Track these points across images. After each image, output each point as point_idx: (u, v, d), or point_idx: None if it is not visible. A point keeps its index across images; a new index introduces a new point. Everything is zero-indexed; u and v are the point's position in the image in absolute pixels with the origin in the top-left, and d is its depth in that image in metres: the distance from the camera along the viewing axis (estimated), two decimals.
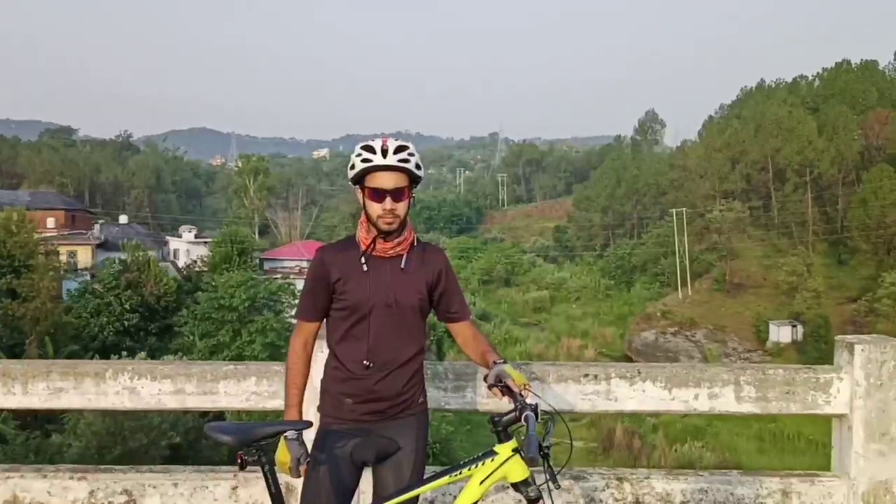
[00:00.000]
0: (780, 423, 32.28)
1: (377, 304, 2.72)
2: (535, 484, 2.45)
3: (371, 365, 2.74)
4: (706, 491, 3.60)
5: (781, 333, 44.67)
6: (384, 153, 2.68)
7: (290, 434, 2.50)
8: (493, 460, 2.47)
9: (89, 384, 3.59)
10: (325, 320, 2.83)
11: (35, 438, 18.77)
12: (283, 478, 3.56)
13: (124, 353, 24.75)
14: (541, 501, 2.43)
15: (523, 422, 2.39)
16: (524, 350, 44.42)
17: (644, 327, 49.33)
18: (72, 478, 3.58)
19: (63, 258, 37.12)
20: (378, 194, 2.68)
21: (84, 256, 42.65)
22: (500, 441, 2.48)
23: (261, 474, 2.50)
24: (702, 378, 3.62)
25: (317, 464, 2.80)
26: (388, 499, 2.48)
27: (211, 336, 27.74)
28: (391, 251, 2.76)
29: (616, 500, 3.59)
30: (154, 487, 3.58)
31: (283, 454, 2.57)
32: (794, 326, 44.40)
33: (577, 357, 44.54)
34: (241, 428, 2.40)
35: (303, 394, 2.76)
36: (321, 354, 2.98)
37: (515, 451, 2.43)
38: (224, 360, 24.80)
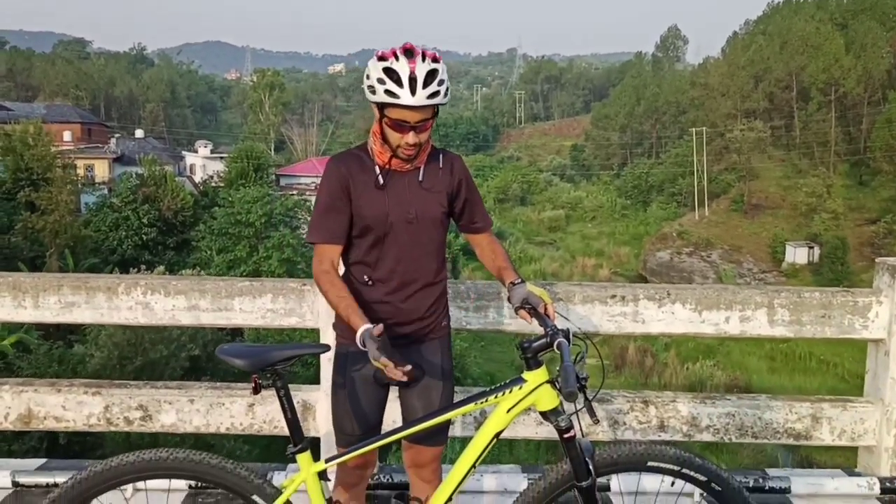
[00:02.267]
0: (792, 343, 32.31)
1: (396, 221, 2.55)
2: (565, 413, 2.32)
3: (393, 284, 2.60)
4: (733, 415, 3.49)
5: (798, 255, 44.40)
6: (412, 89, 2.37)
7: (363, 343, 2.31)
8: (520, 388, 2.34)
9: (101, 299, 3.48)
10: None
11: (58, 349, 19.04)
12: (300, 397, 3.48)
13: (143, 266, 24.88)
14: (572, 431, 2.30)
15: (555, 350, 2.25)
16: (539, 269, 44.48)
17: (659, 247, 49.14)
18: (86, 392, 3.51)
19: (80, 172, 37.09)
20: (401, 126, 2.47)
21: (101, 170, 42.59)
22: (529, 368, 2.34)
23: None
24: (734, 300, 3.47)
25: (338, 387, 2.69)
26: (417, 423, 2.36)
27: (228, 251, 27.85)
28: (408, 165, 2.57)
29: (640, 423, 3.49)
30: (170, 403, 3.50)
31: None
32: (811, 248, 44.08)
33: (592, 277, 44.55)
34: (254, 351, 2.27)
35: (354, 301, 2.49)
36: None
37: (549, 383, 2.30)
38: (241, 275, 24.92)
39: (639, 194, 64.42)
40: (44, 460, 3.67)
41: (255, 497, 2.31)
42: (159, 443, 12.02)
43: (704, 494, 2.44)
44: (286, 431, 3.60)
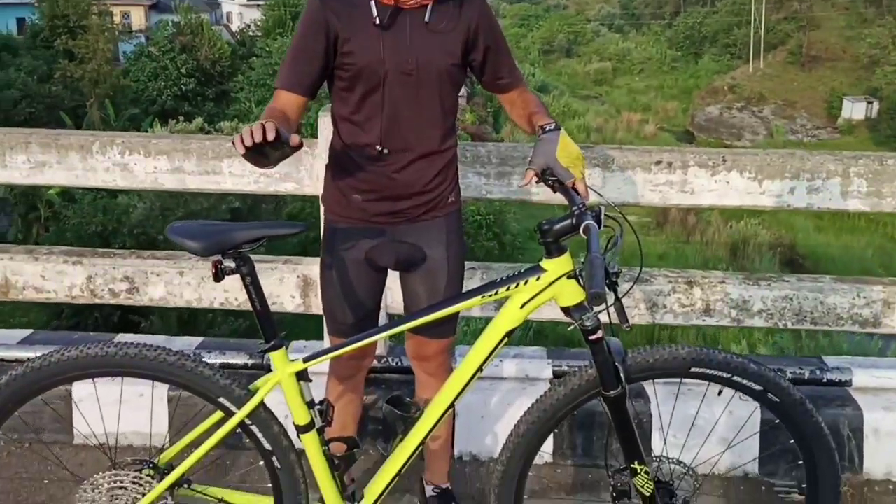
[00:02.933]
0: None
1: (393, 69, 2.04)
2: (591, 311, 1.88)
3: (385, 151, 2.12)
4: (791, 299, 3.03)
5: (855, 110, 42.36)
6: None
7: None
8: (538, 279, 1.89)
9: (74, 158, 3.06)
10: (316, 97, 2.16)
11: (102, 199, 19.05)
12: (300, 271, 3.10)
13: (181, 118, 24.53)
14: (599, 332, 1.87)
15: (581, 234, 1.78)
16: (583, 123, 43.15)
17: (709, 101, 47.24)
18: (66, 262, 3.16)
19: (116, 19, 36.25)
20: None
21: (137, 18, 41.60)
22: (549, 255, 1.89)
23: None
24: (801, 168, 2.93)
25: (327, 269, 2.28)
26: (418, 316, 1.95)
27: (267, 102, 27.26)
28: (412, 1, 2.04)
29: (683, 306, 3.05)
30: (157, 275, 3.15)
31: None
32: (870, 103, 41.96)
33: (637, 132, 43.22)
34: (212, 230, 1.84)
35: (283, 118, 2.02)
36: (326, 131, 2.36)
37: (574, 278, 1.84)
38: None
39: (690, 46, 61.38)
40: (28, 332, 3.39)
41: (221, 400, 1.95)
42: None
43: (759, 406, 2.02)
44: (287, 308, 3.27)
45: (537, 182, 2.03)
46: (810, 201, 2.97)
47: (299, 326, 7.51)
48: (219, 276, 1.88)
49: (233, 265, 1.89)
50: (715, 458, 2.87)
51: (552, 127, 2.06)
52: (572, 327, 1.89)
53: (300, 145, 1.77)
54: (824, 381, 3.05)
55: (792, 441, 2.05)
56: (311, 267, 3.09)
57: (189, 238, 1.83)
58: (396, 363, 3.08)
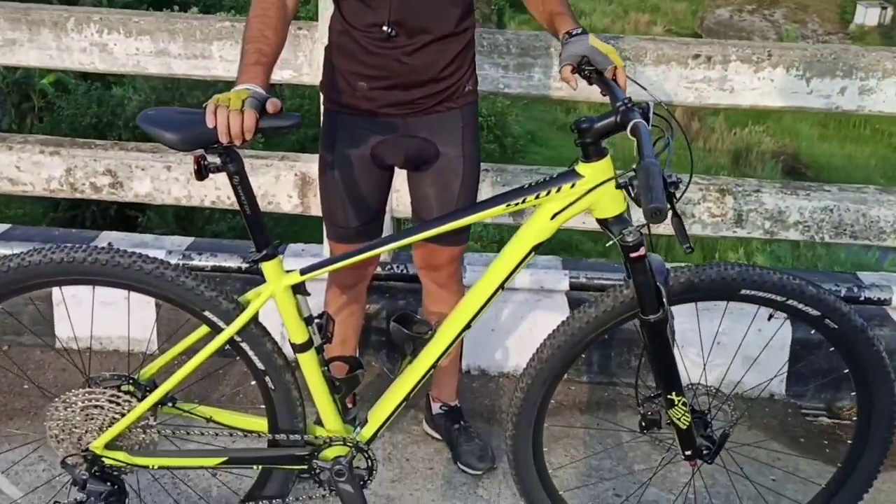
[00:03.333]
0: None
1: None
2: (631, 223, 1.62)
3: (394, 32, 1.81)
4: (831, 210, 2.76)
5: (868, 15, 40.91)
6: None
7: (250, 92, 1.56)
8: (573, 187, 1.62)
9: (47, 36, 2.73)
10: None
11: (96, 90, 18.47)
12: (298, 168, 2.82)
13: (176, 7, 23.58)
14: (642, 248, 1.61)
15: (629, 134, 1.49)
16: (589, 24, 41.60)
17: (719, 4, 45.65)
18: (42, 152, 2.87)
19: None
20: None
21: None
22: (587, 157, 1.61)
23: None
24: (855, 66, 2.62)
25: (327, 167, 2.01)
26: (431, 227, 1.68)
27: None
28: None
29: (713, 216, 2.79)
30: (143, 170, 2.87)
31: (234, 93, 1.54)
32: (884, 8, 40.56)
33: (644, 34, 41.90)
34: (191, 120, 1.55)
35: (273, 54, 1.72)
36: (326, 11, 2.04)
37: (623, 187, 1.56)
38: None
39: None
40: (6, 227, 3.13)
41: (207, 314, 1.70)
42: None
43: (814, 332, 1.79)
44: (284, 209, 3.00)
45: (570, 72, 1.74)
46: (861, 103, 2.67)
47: (298, 224, 7.24)
48: (202, 173, 1.61)
49: (218, 161, 1.61)
50: (739, 379, 2.69)
51: (578, 32, 1.77)
52: (611, 243, 1.64)
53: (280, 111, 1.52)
54: (861, 299, 2.82)
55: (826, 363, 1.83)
56: (310, 164, 2.81)
57: (165, 128, 1.55)
58: (401, 270, 2.84)
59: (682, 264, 1.74)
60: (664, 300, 1.66)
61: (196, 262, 2.90)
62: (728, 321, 2.37)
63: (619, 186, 1.57)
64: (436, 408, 2.41)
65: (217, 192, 2.86)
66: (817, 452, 2.51)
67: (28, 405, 2.57)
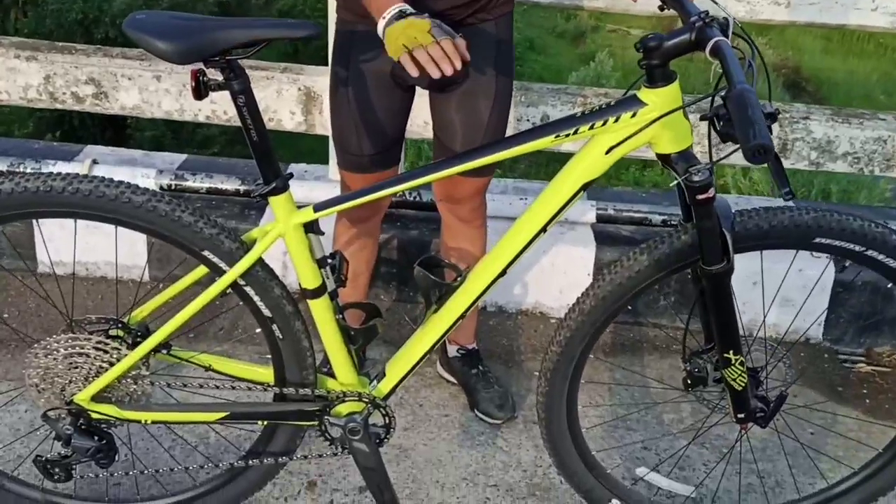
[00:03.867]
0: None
1: None
2: (698, 160, 1.41)
3: None
4: (885, 141, 2.55)
5: None
6: None
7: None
8: (634, 116, 1.40)
9: None
10: None
11: None
12: (302, 83, 2.57)
13: None
14: (711, 189, 1.40)
15: (708, 55, 1.26)
16: None
17: None
18: (18, 56, 2.61)
19: None
20: None
21: None
22: (652, 82, 1.38)
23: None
24: None
25: (340, 86, 1.77)
26: (466, 160, 1.46)
27: None
28: None
29: None
30: (130, 79, 2.61)
31: (411, 29, 1.34)
32: None
33: None
34: (189, 28, 1.31)
35: None
36: None
37: (709, 119, 1.32)
38: None
39: None
40: None
41: (207, 254, 1.50)
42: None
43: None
44: (286, 126, 2.76)
45: None
46: None
47: (300, 140, 6.84)
48: (200, 91, 1.38)
49: (220, 78, 1.38)
50: (774, 321, 2.53)
51: None
52: (675, 182, 1.43)
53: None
54: None
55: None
56: (315, 78, 2.56)
57: (158, 36, 1.31)
58: (414, 198, 2.63)
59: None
60: (730, 249, 1.46)
61: (189, 183, 2.68)
62: (767, 261, 2.19)
63: (703, 118, 1.34)
64: (452, 350, 2.24)
65: (212, 106, 2.61)
66: (856, 403, 2.37)
67: (9, 336, 2.38)
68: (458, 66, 1.31)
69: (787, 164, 2.61)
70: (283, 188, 1.46)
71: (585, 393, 2.26)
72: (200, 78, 1.37)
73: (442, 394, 2.25)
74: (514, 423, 2.15)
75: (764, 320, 1.78)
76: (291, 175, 1.48)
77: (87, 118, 11.42)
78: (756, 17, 2.42)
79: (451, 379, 2.27)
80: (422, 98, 1.92)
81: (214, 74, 1.39)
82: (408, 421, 2.14)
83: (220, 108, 2.61)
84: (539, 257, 2.58)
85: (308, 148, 4.85)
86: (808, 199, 4.69)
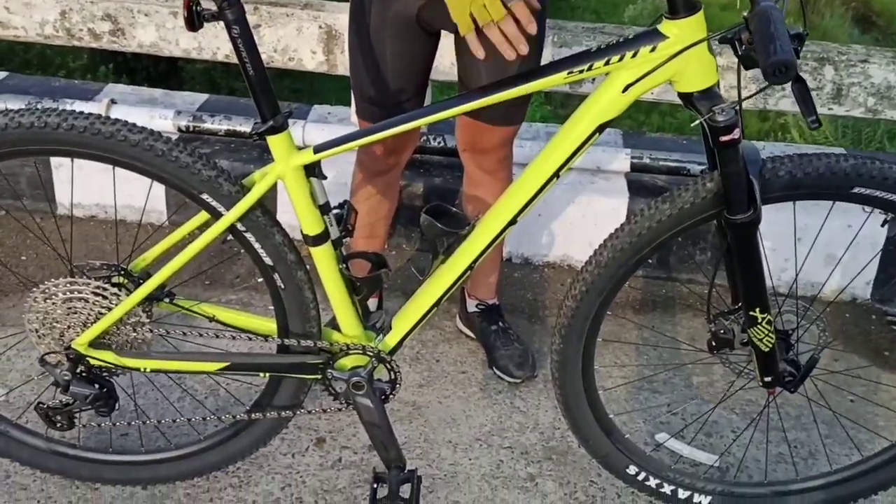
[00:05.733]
0: None
1: None
2: (723, 99, 1.34)
3: None
4: None
5: None
6: None
7: None
8: (653, 50, 1.33)
9: None
10: None
11: None
12: (322, 20, 2.52)
13: None
14: (736, 130, 1.33)
15: None
16: None
17: None
18: None
19: None
20: None
21: None
22: (674, 12, 1.31)
23: None
24: None
25: (357, 25, 1.73)
26: (474, 98, 1.41)
27: None
28: None
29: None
30: (147, 15, 2.59)
31: None
32: None
33: None
34: None
35: None
36: None
37: (728, 41, 1.23)
38: None
39: None
40: (3, 74, 2.91)
41: (205, 197, 1.48)
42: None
43: None
44: (307, 66, 2.72)
45: None
46: None
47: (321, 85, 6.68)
48: (194, 21, 1.35)
49: (213, 7, 1.35)
50: (820, 280, 2.45)
51: None
52: (697, 122, 1.36)
53: None
54: None
55: None
56: (337, 15, 2.51)
57: None
58: (439, 143, 2.58)
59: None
60: (757, 197, 1.40)
61: (208, 125, 2.67)
62: (807, 214, 2.11)
63: (723, 41, 1.27)
64: (471, 305, 2.21)
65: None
66: None
67: (26, 278, 2.42)
68: (534, 31, 1.29)
69: (840, 111, 2.51)
70: (282, 127, 1.43)
71: (611, 351, 2.23)
72: (193, 7, 1.34)
73: (460, 349, 2.23)
74: (534, 382, 2.13)
75: (796, 277, 1.70)
76: (290, 113, 1.45)
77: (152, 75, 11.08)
78: None
79: (470, 334, 2.24)
80: (448, 38, 1.87)
81: (209, 2, 1.36)
82: (423, 377, 2.13)
83: None
84: (567, 207, 2.52)
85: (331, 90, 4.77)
86: (869, 148, 4.51)
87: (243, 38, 1.36)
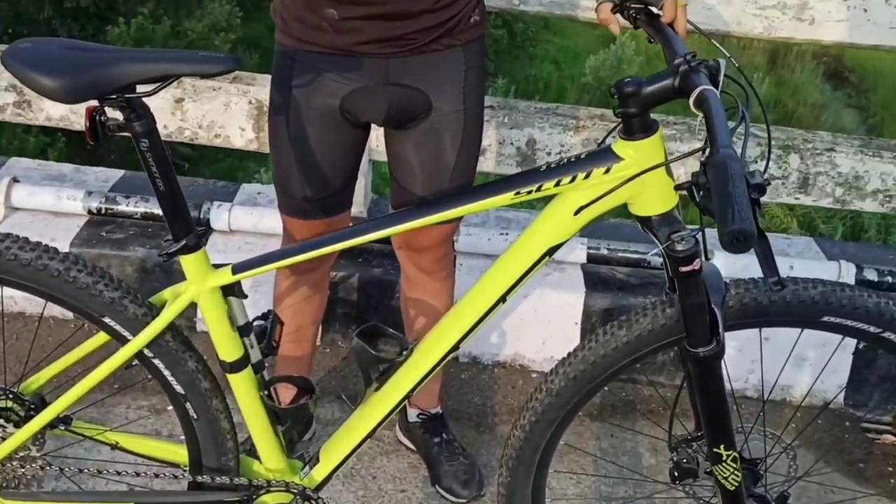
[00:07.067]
0: None
1: None
2: (683, 224, 1.33)
3: None
4: None
5: None
6: None
7: None
8: (607, 172, 1.31)
9: None
10: None
11: None
12: (253, 95, 2.49)
13: None
14: (697, 261, 1.32)
15: (693, 106, 1.18)
16: None
17: None
18: None
19: None
20: None
21: None
22: (630, 133, 1.30)
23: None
24: None
25: (279, 116, 1.70)
26: (410, 218, 1.39)
27: None
28: None
29: (772, 177, 2.49)
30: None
31: None
32: None
33: None
34: (81, 61, 1.24)
35: None
36: None
37: (694, 184, 1.22)
38: None
39: None
40: None
41: (107, 320, 1.42)
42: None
43: None
44: (235, 143, 2.69)
45: (613, 12, 1.44)
46: None
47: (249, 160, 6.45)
48: (97, 132, 1.30)
49: (120, 118, 1.30)
50: (787, 383, 2.46)
51: None
52: (654, 252, 1.35)
53: None
54: None
55: None
56: (269, 89, 2.48)
57: (44, 72, 1.23)
58: None
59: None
60: (720, 329, 1.38)
61: (122, 207, 2.60)
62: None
63: (680, 188, 1.26)
64: (412, 414, 2.16)
65: None
66: (880, 484, 2.28)
67: None
68: None
69: (808, 200, 2.55)
70: (196, 246, 1.38)
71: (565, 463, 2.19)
72: (97, 117, 1.29)
73: (400, 464, 2.16)
74: (482, 502, 2.07)
75: (763, 407, 1.70)
76: (206, 230, 1.41)
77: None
78: (775, 34, 2.34)
79: (412, 446, 2.19)
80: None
81: (114, 113, 1.31)
82: (358, 496, 2.06)
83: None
84: (519, 302, 2.50)
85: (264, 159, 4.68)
86: (834, 237, 4.62)
87: (153, 151, 1.32)
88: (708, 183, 1.05)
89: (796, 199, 2.53)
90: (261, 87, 2.50)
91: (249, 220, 2.50)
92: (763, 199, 2.51)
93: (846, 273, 2.50)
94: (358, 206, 2.52)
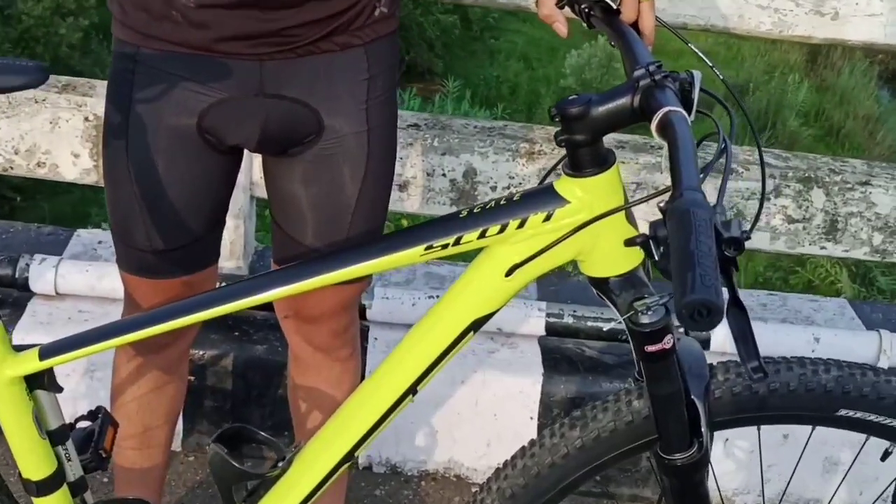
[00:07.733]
0: None
1: None
2: (652, 290, 1.35)
3: None
4: None
5: None
6: None
7: None
8: (548, 219, 1.34)
9: None
10: None
11: None
12: (89, 110, 2.51)
13: None
14: (668, 338, 1.34)
15: (655, 132, 1.20)
16: None
17: None
18: None
19: None
20: None
21: None
22: (577, 167, 1.33)
23: None
24: None
25: (114, 138, 1.71)
26: (308, 273, 1.41)
27: None
28: None
29: (791, 220, 2.59)
30: None
31: None
32: None
33: None
34: None
35: None
36: None
37: (637, 244, 1.24)
38: None
39: None
40: None
41: None
42: None
43: None
44: (66, 175, 2.68)
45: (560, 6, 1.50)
46: None
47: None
48: None
49: None
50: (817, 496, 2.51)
51: None
52: (612, 325, 1.38)
53: None
54: None
55: None
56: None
57: None
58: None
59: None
60: (703, 428, 1.41)
61: None
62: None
63: (632, 243, 1.29)
64: None
65: None
66: None
67: None
68: None
69: (837, 250, 2.62)
70: None
71: None
72: None
73: None
74: None
75: None
76: (21, 295, 1.41)
77: None
78: (788, 33, 2.44)
79: None
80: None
81: None
82: None
83: None
84: (454, 390, 2.53)
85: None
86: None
87: None
88: (667, 236, 1.07)
89: (822, 248, 2.61)
90: (101, 99, 2.51)
91: (84, 280, 2.51)
92: (775, 248, 2.61)
93: (889, 346, 2.57)
94: (236, 260, 2.56)
